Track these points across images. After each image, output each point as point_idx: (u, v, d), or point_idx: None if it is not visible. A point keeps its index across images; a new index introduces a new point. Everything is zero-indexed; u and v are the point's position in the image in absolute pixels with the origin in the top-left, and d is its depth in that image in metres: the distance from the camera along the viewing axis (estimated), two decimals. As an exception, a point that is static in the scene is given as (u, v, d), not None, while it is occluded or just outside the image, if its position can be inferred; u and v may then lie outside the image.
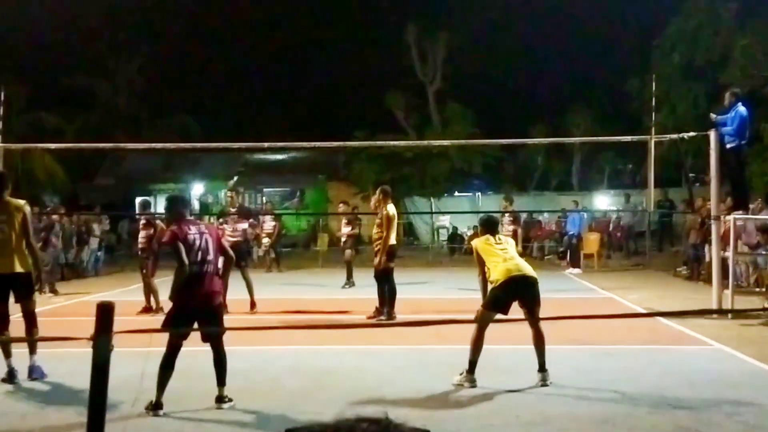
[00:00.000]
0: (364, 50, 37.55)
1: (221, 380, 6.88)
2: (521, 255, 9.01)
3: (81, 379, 7.70)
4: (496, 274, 7.79)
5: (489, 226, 8.54)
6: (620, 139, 18.86)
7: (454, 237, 29.32)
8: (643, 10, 30.57)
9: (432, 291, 16.45)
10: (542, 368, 7.60)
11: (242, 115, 38.26)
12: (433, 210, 31.63)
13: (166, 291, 7.13)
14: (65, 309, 13.86)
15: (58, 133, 27.64)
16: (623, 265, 22.56)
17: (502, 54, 35.90)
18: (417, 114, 33.81)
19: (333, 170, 34.26)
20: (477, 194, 34.13)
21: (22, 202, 8.08)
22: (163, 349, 6.75)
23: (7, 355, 7.84)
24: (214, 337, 6.87)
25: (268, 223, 22.07)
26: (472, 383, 7.55)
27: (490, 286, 7.87)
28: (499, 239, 8.25)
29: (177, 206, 7.22)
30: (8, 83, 23.24)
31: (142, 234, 13.22)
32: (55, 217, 18.97)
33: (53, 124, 28.57)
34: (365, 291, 14.10)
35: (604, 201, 31.66)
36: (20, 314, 8.07)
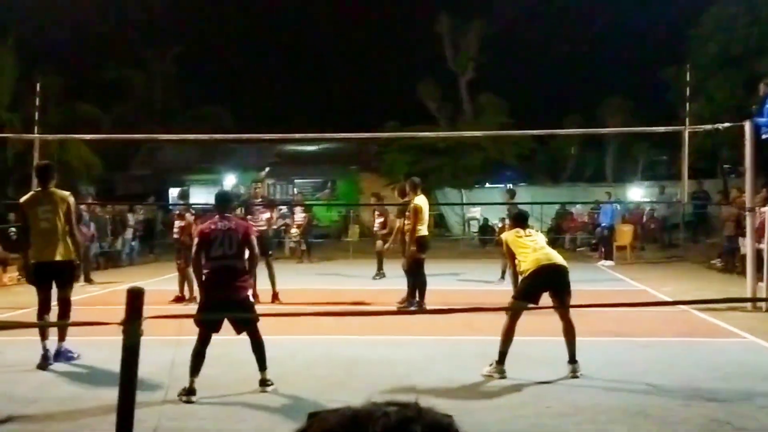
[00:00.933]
0: (396, 40, 37.49)
1: (261, 365, 7.08)
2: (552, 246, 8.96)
3: (117, 366, 7.82)
4: (526, 264, 7.77)
5: (519, 221, 8.53)
6: (655, 130, 18.66)
7: (486, 229, 29.23)
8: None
9: (462, 283, 16.43)
10: (572, 359, 7.56)
11: (275, 106, 38.39)
12: (464, 201, 31.56)
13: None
14: (100, 298, 14.05)
15: (94, 124, 27.87)
16: (657, 258, 22.34)
17: (535, 44, 35.65)
18: (449, 105, 33.69)
19: (364, 161, 34.29)
20: (509, 185, 33.95)
21: (66, 193, 8.45)
22: (193, 338, 6.90)
23: (44, 337, 8.07)
24: (245, 326, 7.01)
25: (299, 215, 22.18)
26: (502, 374, 7.53)
27: (520, 277, 7.84)
28: (529, 232, 8.23)
29: (216, 203, 7.60)
30: (45, 74, 23.58)
31: (176, 224, 13.40)
32: (83, 206, 19.15)
33: (89, 114, 28.82)
34: (396, 282, 14.12)
35: (637, 192, 31.35)
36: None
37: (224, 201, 7.64)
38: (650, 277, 16.64)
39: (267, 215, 13.67)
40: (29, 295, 11.47)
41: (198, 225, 9.52)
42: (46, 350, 8.03)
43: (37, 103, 14.07)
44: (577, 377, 7.44)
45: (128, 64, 36.56)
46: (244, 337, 7.09)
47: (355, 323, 10.52)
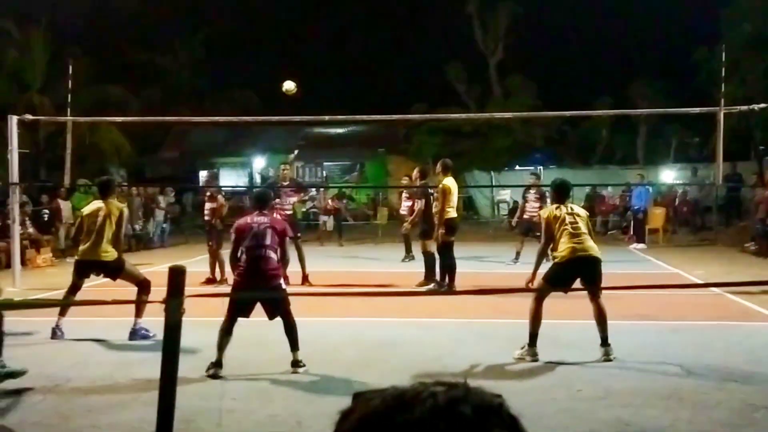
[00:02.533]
0: (425, 22, 37.28)
1: (294, 346, 7.20)
2: None
3: (149, 345, 7.90)
4: (563, 250, 7.66)
5: (561, 191, 8.23)
6: (688, 111, 18.38)
7: (515, 211, 29.08)
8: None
9: (492, 265, 16.36)
10: (605, 342, 7.48)
11: (304, 87, 38.38)
12: (494, 184, 31.40)
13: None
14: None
15: (123, 107, 28.11)
16: (689, 241, 22.11)
17: (566, 24, 35.29)
18: (478, 86, 33.47)
19: (393, 144, 34.22)
20: (539, 168, 33.75)
21: (122, 205, 9.57)
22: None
23: (62, 314, 8.73)
24: (278, 311, 7.18)
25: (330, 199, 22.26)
26: (534, 356, 7.47)
27: (552, 260, 7.76)
28: (571, 209, 7.99)
29: (254, 201, 8.05)
30: (74, 57, 23.77)
31: (207, 207, 13.47)
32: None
33: (119, 97, 29.05)
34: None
35: (669, 175, 31.01)
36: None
37: (262, 200, 7.93)
38: (682, 260, 16.46)
39: (294, 198, 13.68)
40: (61, 276, 11.63)
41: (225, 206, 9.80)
42: (58, 325, 8.68)
43: (69, 85, 14.17)
44: (609, 360, 7.36)
45: (157, 48, 36.74)
46: (277, 319, 7.14)
47: (384, 306, 10.52)
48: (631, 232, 21.78)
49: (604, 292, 7.67)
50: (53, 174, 24.92)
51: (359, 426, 0.84)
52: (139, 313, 8.58)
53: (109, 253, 8.96)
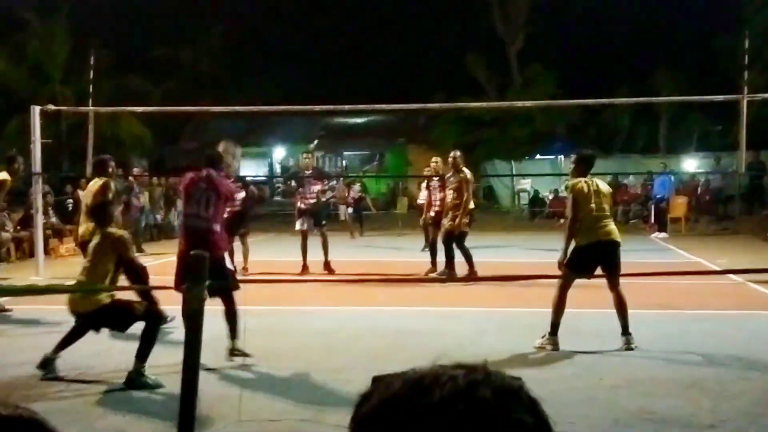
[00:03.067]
0: (445, 10, 37.12)
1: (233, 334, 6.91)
2: None
3: (170, 333, 7.94)
4: (586, 232, 7.49)
5: (588, 163, 7.93)
6: (710, 99, 18.18)
7: (535, 201, 28.98)
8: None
9: (512, 255, 16.30)
10: (625, 331, 7.40)
11: (322, 78, 38.41)
12: (514, 173, 31.30)
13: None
14: (152, 269, 14.25)
15: (144, 98, 28.23)
16: (711, 230, 21.94)
17: (586, 12, 35.00)
18: (498, 75, 33.32)
19: (412, 133, 34.17)
20: (559, 157, 33.58)
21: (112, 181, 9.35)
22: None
23: None
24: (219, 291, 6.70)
25: (354, 190, 22.28)
26: (555, 345, 7.42)
27: (574, 243, 7.59)
28: (597, 186, 7.72)
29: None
30: (95, 48, 23.83)
31: (239, 196, 13.49)
32: (133, 179, 19.39)
33: (139, 88, 29.17)
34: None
35: (692, 163, 30.77)
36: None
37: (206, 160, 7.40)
38: (704, 249, 16.33)
39: (317, 187, 13.69)
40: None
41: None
42: None
43: (91, 76, 14.24)
44: (631, 349, 7.29)
45: (176, 39, 36.86)
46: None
47: (404, 295, 10.53)
48: (653, 221, 21.64)
49: (625, 280, 7.61)
50: (76, 164, 25.10)
51: (378, 409, 0.84)
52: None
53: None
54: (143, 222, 20.17)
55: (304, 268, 12.73)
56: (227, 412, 5.62)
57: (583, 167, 7.87)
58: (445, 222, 11.97)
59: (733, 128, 22.43)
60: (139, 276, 6.70)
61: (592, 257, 7.51)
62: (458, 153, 12.35)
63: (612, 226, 7.68)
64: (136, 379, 6.18)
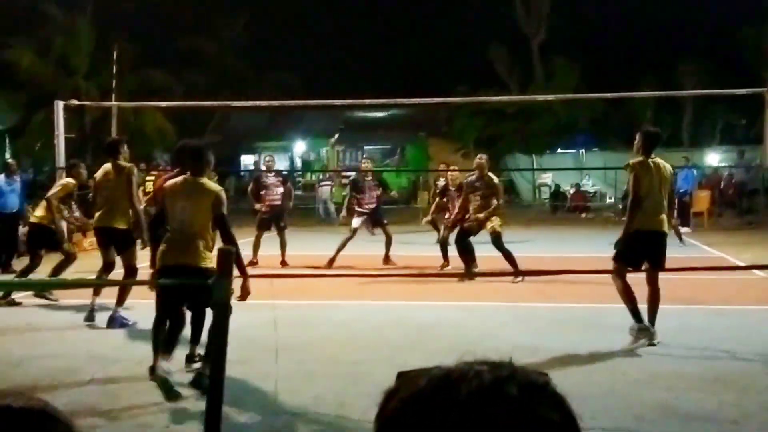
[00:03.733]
0: (466, 3, 36.98)
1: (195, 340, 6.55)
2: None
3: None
4: (639, 219, 7.17)
5: (651, 140, 7.47)
6: (734, 92, 18.04)
7: (557, 195, 28.85)
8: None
9: (534, 249, 16.22)
10: (651, 325, 7.26)
11: (344, 72, 38.43)
12: (535, 167, 31.18)
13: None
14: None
15: (167, 92, 28.35)
16: (735, 224, 21.73)
17: (609, 5, 34.77)
18: (520, 68, 33.18)
19: (434, 127, 34.10)
20: (581, 151, 33.43)
21: (128, 164, 8.58)
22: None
23: (96, 293, 8.60)
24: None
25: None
26: (648, 334, 7.15)
27: (625, 226, 7.31)
28: (658, 168, 7.32)
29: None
30: (119, 43, 23.94)
31: (278, 191, 13.59)
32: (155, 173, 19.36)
33: (162, 82, 29.27)
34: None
35: (715, 157, 30.50)
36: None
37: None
38: (728, 243, 16.19)
39: (378, 191, 13.80)
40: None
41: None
42: (93, 306, 8.47)
43: (114, 70, 14.34)
44: (654, 344, 7.16)
45: (200, 33, 36.97)
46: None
47: (426, 289, 10.54)
48: (676, 215, 21.47)
49: (638, 274, 7.51)
50: (99, 158, 25.28)
51: (404, 406, 0.84)
52: (120, 301, 8.33)
53: (121, 220, 8.37)
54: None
55: (332, 262, 12.88)
56: (251, 405, 5.66)
57: (646, 145, 7.43)
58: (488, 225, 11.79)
59: (757, 121, 22.22)
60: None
61: (638, 248, 7.24)
62: (485, 157, 12.29)
63: (662, 213, 7.35)
64: (202, 380, 5.79)
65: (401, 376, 0.91)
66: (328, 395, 5.90)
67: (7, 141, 28.58)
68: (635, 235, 7.17)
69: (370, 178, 13.76)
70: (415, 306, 9.51)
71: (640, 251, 7.27)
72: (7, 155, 26.87)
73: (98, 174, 8.68)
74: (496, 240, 11.64)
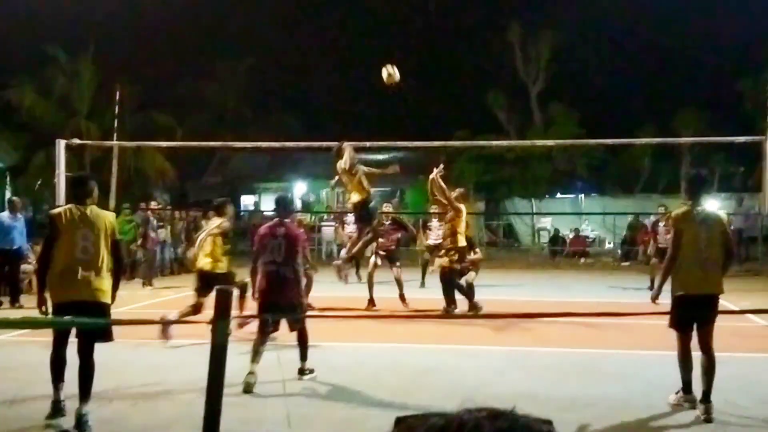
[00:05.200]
0: (467, 50, 37.37)
1: (303, 356, 7.76)
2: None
3: (187, 368, 7.92)
4: (680, 280, 6.45)
5: (697, 184, 6.71)
6: (733, 140, 18.08)
7: (556, 239, 28.84)
8: (756, 6, 29.40)
9: (531, 293, 16.19)
10: (706, 398, 6.40)
11: (345, 115, 38.68)
12: (534, 211, 31.21)
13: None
14: (173, 302, 14.28)
15: (169, 134, 28.52)
16: (734, 272, 21.59)
17: (608, 53, 35.13)
18: (518, 115, 33.40)
19: (433, 171, 34.20)
20: (580, 196, 33.49)
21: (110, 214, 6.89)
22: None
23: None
24: (295, 326, 7.71)
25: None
26: (692, 403, 6.52)
27: (671, 286, 6.57)
28: (705, 217, 6.48)
29: (277, 207, 8.09)
30: (121, 84, 24.13)
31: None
32: (149, 212, 19.33)
33: (164, 124, 29.48)
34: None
35: (714, 204, 30.45)
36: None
37: (280, 205, 8.09)
38: (727, 290, 16.00)
39: (398, 234, 14.45)
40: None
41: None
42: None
43: (116, 111, 14.43)
44: (710, 421, 6.30)
45: (201, 76, 37.30)
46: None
47: (424, 332, 10.47)
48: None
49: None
50: (99, 198, 25.27)
51: None
52: (85, 397, 6.04)
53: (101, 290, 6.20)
54: (167, 256, 20.26)
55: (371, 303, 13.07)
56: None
57: (692, 191, 6.69)
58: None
59: (756, 170, 22.30)
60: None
61: (687, 313, 6.46)
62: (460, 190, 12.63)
63: (717, 272, 6.57)
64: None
65: (400, 422, 0.88)
66: (324, 440, 5.83)
67: (8, 179, 28.66)
68: (682, 299, 6.45)
69: (389, 222, 13.95)
70: (411, 349, 9.44)
71: (692, 315, 6.50)
72: (8, 193, 26.91)
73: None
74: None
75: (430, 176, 12.31)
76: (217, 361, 3.82)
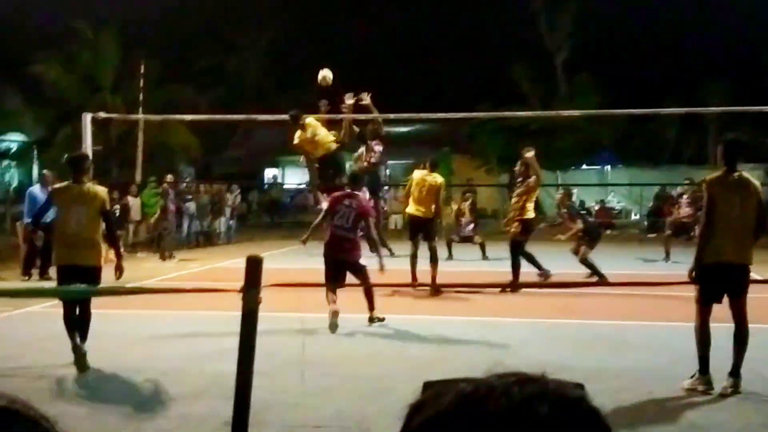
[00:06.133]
0: (490, 20, 37.05)
1: (370, 306, 8.81)
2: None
3: (216, 339, 8.00)
4: (709, 251, 6.19)
5: (734, 150, 6.27)
6: (760, 109, 17.82)
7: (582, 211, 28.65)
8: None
9: (557, 265, 16.12)
10: (736, 372, 6.21)
11: (367, 87, 38.54)
12: (559, 183, 31.00)
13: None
14: (199, 275, 14.40)
15: (192, 107, 28.59)
16: (761, 242, 21.43)
17: (634, 22, 34.70)
18: (543, 85, 33.10)
19: (457, 143, 34.06)
20: (606, 167, 33.25)
21: (101, 188, 7.53)
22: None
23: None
24: (359, 273, 8.83)
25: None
26: (708, 386, 6.23)
27: (697, 255, 6.31)
28: (741, 183, 6.18)
29: (351, 182, 9.58)
30: (145, 58, 24.16)
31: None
32: (165, 185, 19.29)
33: (187, 97, 29.52)
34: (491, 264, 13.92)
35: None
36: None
37: (355, 180, 9.62)
38: (756, 262, 15.95)
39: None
40: (133, 271, 11.86)
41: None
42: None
43: (141, 84, 14.45)
44: (738, 392, 6.15)
45: (223, 50, 37.28)
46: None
47: (449, 304, 10.49)
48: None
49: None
50: (124, 171, 25.48)
51: (429, 424, 0.81)
52: (84, 336, 7.10)
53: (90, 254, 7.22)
54: (192, 228, 20.40)
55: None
56: (273, 418, 5.64)
57: (728, 156, 6.28)
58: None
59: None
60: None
61: (715, 286, 6.22)
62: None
63: (746, 243, 6.36)
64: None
65: (428, 387, 0.88)
66: (349, 410, 5.87)
67: (35, 153, 28.94)
68: (712, 269, 6.19)
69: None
70: (436, 321, 9.48)
71: (720, 287, 6.24)
72: (35, 167, 27.20)
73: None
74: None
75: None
76: (249, 329, 3.85)
